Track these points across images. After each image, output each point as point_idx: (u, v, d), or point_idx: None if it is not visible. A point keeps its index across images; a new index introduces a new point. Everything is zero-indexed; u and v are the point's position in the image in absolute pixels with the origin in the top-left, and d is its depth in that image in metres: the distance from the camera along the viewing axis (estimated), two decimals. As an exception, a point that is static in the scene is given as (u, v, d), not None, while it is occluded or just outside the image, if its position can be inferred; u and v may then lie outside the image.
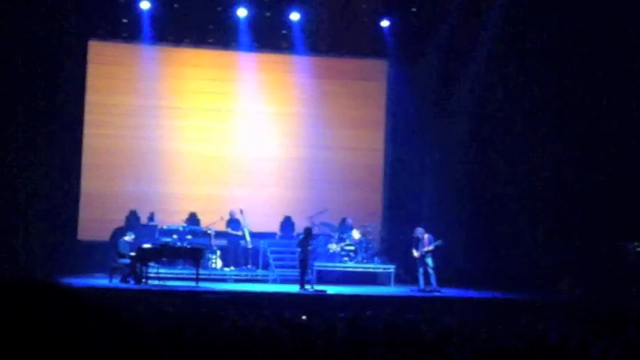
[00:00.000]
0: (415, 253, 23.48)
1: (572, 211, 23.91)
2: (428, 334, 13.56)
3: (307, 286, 22.78)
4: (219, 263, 24.88)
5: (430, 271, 23.32)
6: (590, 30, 23.20)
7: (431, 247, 23.34)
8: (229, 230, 25.19)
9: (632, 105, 23.30)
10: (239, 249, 25.15)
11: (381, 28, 26.35)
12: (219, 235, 25.09)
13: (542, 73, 24.34)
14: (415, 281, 23.85)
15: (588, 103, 23.58)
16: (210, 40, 26.65)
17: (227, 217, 25.28)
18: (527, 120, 24.53)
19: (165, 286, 22.74)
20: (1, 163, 23.36)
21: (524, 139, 24.66)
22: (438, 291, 23.13)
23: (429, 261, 23.35)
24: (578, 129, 23.76)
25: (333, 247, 25.44)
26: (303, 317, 17.47)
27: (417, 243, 23.54)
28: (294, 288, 23.09)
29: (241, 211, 25.11)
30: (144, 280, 22.84)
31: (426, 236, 23.48)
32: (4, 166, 23.38)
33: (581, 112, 23.69)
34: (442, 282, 23.39)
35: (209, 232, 24.89)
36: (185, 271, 23.79)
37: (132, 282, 22.71)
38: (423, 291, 23.17)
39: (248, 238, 25.13)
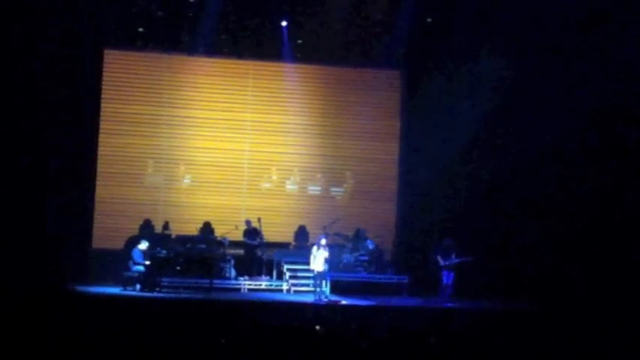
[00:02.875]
0: (441, 262, 23.36)
1: (587, 223, 23.83)
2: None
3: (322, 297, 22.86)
4: (232, 273, 24.85)
5: (450, 284, 23.23)
6: (593, 33, 23.18)
7: (457, 261, 23.25)
8: (245, 240, 25.18)
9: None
10: (254, 258, 25.11)
11: (396, 39, 26.32)
12: (233, 244, 25.06)
13: (554, 83, 24.32)
14: (428, 292, 23.78)
15: (597, 109, 23.51)
16: (224, 50, 26.68)
17: (244, 226, 25.30)
18: (542, 129, 24.46)
19: (179, 294, 22.74)
20: (16, 169, 23.41)
21: (539, 148, 24.59)
22: (451, 303, 23.04)
23: (452, 275, 23.27)
24: (592, 132, 23.71)
25: (347, 257, 25.41)
26: (317, 327, 17.46)
27: (444, 253, 23.43)
28: (309, 298, 23.13)
29: (259, 220, 25.07)
30: (157, 289, 22.88)
31: (454, 252, 23.43)
32: (19, 173, 23.44)
33: (590, 117, 23.62)
34: (460, 293, 23.35)
35: (223, 241, 24.86)
36: (199, 280, 23.74)
37: (146, 290, 22.77)
38: (442, 302, 23.05)
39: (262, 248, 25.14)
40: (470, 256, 23.22)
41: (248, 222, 25.28)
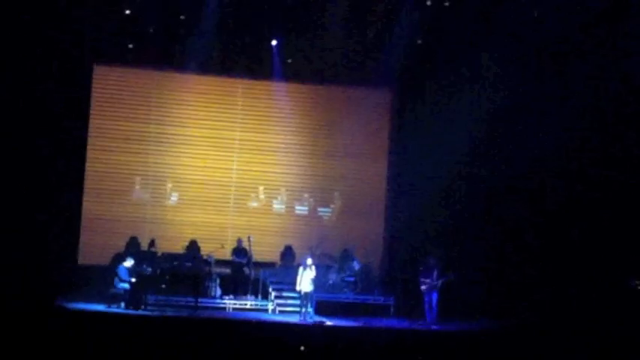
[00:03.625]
0: (423, 286, 23.28)
1: (576, 247, 23.83)
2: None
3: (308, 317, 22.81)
4: (218, 291, 24.76)
5: (434, 304, 23.14)
6: (592, 39, 23.23)
7: (438, 284, 23.15)
8: (234, 258, 25.15)
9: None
10: (241, 277, 25.03)
11: (387, 58, 26.32)
12: (220, 262, 25.02)
13: (543, 107, 24.38)
14: (415, 314, 23.72)
15: (594, 125, 23.56)
16: (214, 68, 26.64)
17: (233, 244, 25.30)
18: (536, 149, 24.48)
19: (164, 312, 22.66)
20: (2, 185, 23.35)
21: (531, 169, 24.63)
22: (435, 325, 22.94)
23: (435, 295, 23.17)
24: (590, 151, 23.76)
25: (333, 277, 25.36)
26: (302, 347, 17.44)
27: (427, 273, 23.34)
28: (294, 318, 23.08)
29: (249, 238, 25.03)
30: (142, 307, 22.79)
31: (436, 271, 23.33)
32: (6, 189, 23.38)
33: (587, 135, 23.68)
34: (446, 313, 23.29)
35: (209, 259, 24.80)
36: (184, 299, 23.64)
37: (131, 307, 22.68)
38: (428, 325, 22.96)
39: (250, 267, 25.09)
40: (452, 275, 23.15)
41: (239, 240, 25.28)
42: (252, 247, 25.07)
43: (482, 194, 25.67)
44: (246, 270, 25.01)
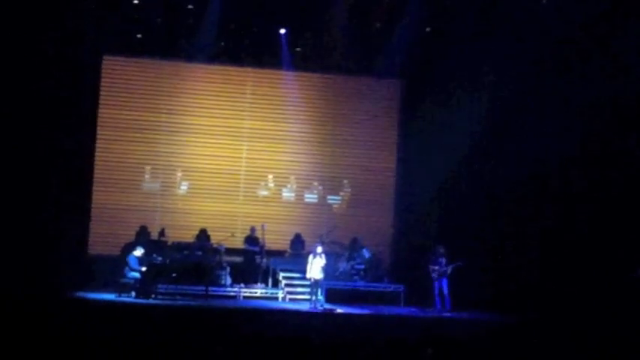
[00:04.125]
0: (433, 274, 23.33)
1: (583, 237, 23.79)
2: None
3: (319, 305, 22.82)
4: (228, 280, 24.79)
5: (445, 291, 23.17)
6: (594, 41, 23.15)
7: (448, 270, 23.18)
8: (246, 246, 25.19)
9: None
10: (252, 266, 25.07)
11: (396, 48, 26.30)
12: (230, 251, 25.06)
13: (555, 93, 24.31)
14: (424, 302, 23.73)
15: (597, 121, 23.48)
16: (223, 57, 26.65)
17: (245, 233, 25.42)
18: (542, 140, 24.44)
19: (175, 301, 22.70)
20: (13, 176, 23.39)
21: (538, 159, 24.57)
22: (449, 312, 22.98)
23: (445, 281, 23.21)
24: (591, 145, 23.67)
25: (343, 265, 25.39)
26: (312, 335, 17.44)
27: (436, 260, 23.38)
28: (304, 306, 23.11)
29: (263, 227, 25.08)
30: (153, 296, 22.84)
31: (444, 258, 23.35)
32: (16, 179, 23.42)
33: (589, 129, 23.59)
34: (456, 304, 23.27)
35: (219, 248, 24.84)
36: (194, 288, 23.68)
37: (142, 296, 22.73)
38: (439, 312, 22.99)
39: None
40: (460, 261, 23.16)
41: (252, 229, 25.33)
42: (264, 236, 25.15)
43: (492, 184, 25.64)
44: (258, 258, 25.05)
